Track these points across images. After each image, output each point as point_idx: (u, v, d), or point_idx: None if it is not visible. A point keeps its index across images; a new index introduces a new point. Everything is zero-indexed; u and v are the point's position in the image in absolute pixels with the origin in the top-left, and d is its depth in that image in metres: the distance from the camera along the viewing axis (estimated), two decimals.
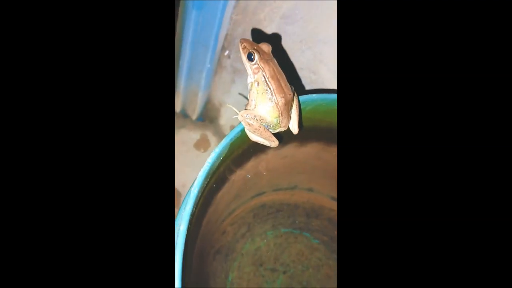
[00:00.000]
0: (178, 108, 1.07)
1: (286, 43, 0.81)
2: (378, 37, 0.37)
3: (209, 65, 0.94)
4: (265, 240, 0.83)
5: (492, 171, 0.35)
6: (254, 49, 0.51)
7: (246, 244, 0.81)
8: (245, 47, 0.52)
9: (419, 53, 0.37)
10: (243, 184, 0.70)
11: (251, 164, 0.66)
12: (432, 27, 0.37)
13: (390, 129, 0.37)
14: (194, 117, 1.06)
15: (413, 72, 0.37)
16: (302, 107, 0.60)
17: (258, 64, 0.52)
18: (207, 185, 0.50)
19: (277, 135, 0.57)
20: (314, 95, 0.60)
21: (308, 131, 0.64)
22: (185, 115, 1.08)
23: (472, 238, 0.35)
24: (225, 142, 0.51)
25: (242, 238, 0.82)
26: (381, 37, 0.37)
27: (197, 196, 0.45)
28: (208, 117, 1.08)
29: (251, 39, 0.61)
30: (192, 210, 0.45)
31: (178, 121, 1.07)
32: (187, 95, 1.03)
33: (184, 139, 1.05)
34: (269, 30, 0.81)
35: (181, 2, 0.88)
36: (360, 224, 0.36)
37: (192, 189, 0.45)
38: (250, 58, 0.52)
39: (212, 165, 0.49)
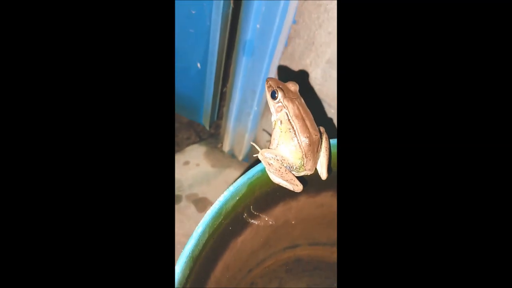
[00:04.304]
0: (226, 148, 1.09)
1: (331, 88, 0.78)
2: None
3: (256, 108, 0.95)
4: None
5: (494, 171, 0.36)
6: (278, 87, 0.50)
7: None
8: (270, 85, 0.51)
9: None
10: (271, 232, 0.65)
11: (279, 210, 0.61)
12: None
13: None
14: (240, 157, 1.07)
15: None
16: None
17: (281, 102, 0.49)
18: (218, 226, 0.47)
19: (302, 181, 0.52)
20: None
21: None
22: (232, 155, 1.10)
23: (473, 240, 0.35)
24: (242, 180, 0.48)
25: None
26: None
27: (202, 235, 0.42)
28: (253, 158, 1.07)
29: (277, 78, 0.60)
30: (194, 249, 0.41)
31: (225, 161, 1.08)
32: (235, 136, 1.05)
33: (229, 179, 1.05)
34: (314, 75, 0.80)
35: (235, 49, 0.93)
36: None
37: (197, 228, 0.42)
38: (273, 96, 0.50)
39: (225, 203, 0.46)
